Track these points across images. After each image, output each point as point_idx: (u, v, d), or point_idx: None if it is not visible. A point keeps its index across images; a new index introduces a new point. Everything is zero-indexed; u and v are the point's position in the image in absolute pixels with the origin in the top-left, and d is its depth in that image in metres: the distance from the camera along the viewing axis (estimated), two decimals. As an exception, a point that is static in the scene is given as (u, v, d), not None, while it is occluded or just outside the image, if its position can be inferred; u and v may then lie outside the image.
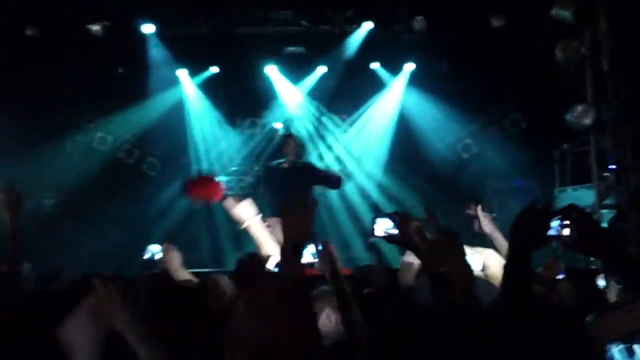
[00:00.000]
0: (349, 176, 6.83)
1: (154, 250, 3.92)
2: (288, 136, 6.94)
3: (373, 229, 2.41)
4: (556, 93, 7.73)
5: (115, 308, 1.83)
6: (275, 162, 6.95)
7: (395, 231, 2.34)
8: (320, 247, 2.73)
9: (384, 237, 2.39)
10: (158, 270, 3.55)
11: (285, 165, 6.65)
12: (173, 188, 8.57)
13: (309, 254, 2.67)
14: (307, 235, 2.06)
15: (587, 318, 1.76)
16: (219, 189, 3.50)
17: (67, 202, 8.61)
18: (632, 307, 1.68)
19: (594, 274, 3.92)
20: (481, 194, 8.02)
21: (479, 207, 3.59)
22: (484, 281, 2.70)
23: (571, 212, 2.06)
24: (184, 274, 3.51)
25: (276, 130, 9.40)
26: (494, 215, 8.50)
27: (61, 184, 8.60)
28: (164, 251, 3.63)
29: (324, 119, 9.65)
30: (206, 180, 3.71)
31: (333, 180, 6.78)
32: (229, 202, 3.29)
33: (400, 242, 2.40)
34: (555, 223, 2.05)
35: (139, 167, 9.25)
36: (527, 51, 8.22)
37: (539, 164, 8.37)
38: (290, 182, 6.45)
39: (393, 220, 2.35)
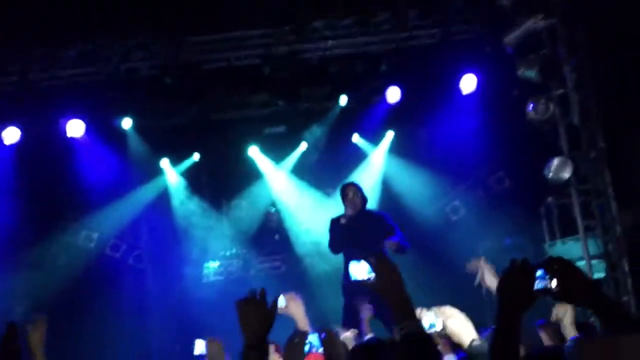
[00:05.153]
0: None
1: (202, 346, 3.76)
2: (346, 186, 6.36)
3: (350, 274, 2.31)
4: (534, 149, 7.84)
5: None
6: (339, 216, 6.37)
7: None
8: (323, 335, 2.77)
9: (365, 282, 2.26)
10: None
11: (344, 221, 6.13)
12: (161, 280, 8.45)
13: None
14: None
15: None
16: None
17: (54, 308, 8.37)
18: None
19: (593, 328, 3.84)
20: (471, 256, 7.94)
21: (483, 259, 3.48)
22: None
23: (552, 264, 2.05)
24: None
25: (269, 211, 9.42)
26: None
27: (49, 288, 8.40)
28: (209, 346, 3.54)
29: (310, 195, 9.66)
30: None
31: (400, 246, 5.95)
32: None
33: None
34: (539, 273, 2.04)
35: (126, 261, 9.11)
36: (501, 111, 8.40)
37: (527, 220, 8.36)
38: (355, 237, 5.94)
39: (369, 263, 2.25)
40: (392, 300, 2.17)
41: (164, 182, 9.49)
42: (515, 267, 2.06)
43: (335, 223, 6.33)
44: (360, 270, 2.25)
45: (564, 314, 3.41)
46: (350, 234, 6.07)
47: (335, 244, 6.23)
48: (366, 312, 4.99)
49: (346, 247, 6.06)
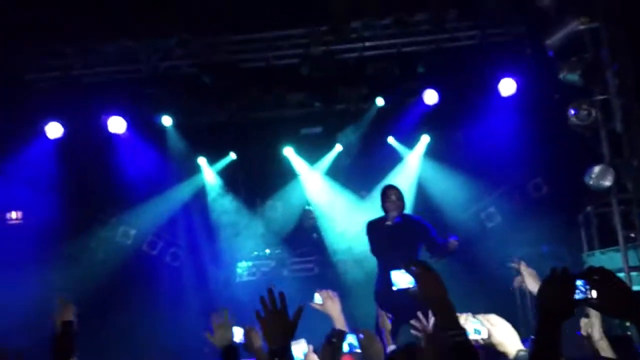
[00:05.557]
0: None
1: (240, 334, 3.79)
2: (388, 188, 6.31)
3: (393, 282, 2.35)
4: (574, 155, 7.66)
5: None
6: (377, 219, 6.31)
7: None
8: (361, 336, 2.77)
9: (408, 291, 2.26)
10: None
11: (389, 222, 6.08)
12: (196, 278, 8.51)
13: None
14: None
15: None
16: None
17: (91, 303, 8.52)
18: None
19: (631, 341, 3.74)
20: (506, 261, 7.80)
21: (523, 263, 3.41)
22: None
23: (593, 275, 2.01)
24: None
25: (306, 208, 9.41)
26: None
27: (86, 283, 8.54)
28: (247, 334, 3.60)
29: (344, 197, 9.61)
30: None
31: (442, 249, 5.89)
32: None
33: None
34: (580, 283, 2.00)
35: (162, 259, 9.21)
36: (541, 115, 8.23)
37: (565, 228, 8.17)
38: (398, 241, 5.90)
39: (411, 272, 2.22)
40: (435, 308, 2.16)
41: (201, 180, 9.58)
42: (556, 275, 2.03)
43: (375, 225, 6.25)
44: (404, 279, 2.25)
45: (591, 327, 3.31)
46: (391, 238, 6.02)
47: (377, 247, 6.14)
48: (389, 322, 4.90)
49: (385, 252, 6.00)
